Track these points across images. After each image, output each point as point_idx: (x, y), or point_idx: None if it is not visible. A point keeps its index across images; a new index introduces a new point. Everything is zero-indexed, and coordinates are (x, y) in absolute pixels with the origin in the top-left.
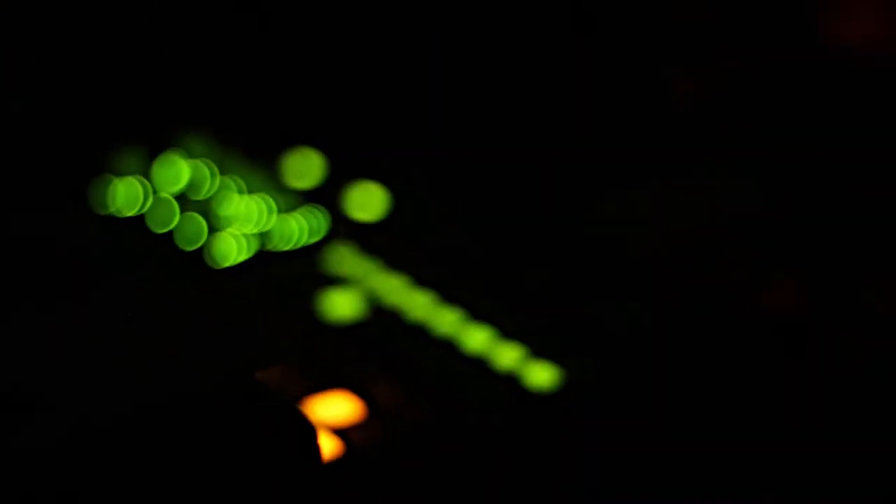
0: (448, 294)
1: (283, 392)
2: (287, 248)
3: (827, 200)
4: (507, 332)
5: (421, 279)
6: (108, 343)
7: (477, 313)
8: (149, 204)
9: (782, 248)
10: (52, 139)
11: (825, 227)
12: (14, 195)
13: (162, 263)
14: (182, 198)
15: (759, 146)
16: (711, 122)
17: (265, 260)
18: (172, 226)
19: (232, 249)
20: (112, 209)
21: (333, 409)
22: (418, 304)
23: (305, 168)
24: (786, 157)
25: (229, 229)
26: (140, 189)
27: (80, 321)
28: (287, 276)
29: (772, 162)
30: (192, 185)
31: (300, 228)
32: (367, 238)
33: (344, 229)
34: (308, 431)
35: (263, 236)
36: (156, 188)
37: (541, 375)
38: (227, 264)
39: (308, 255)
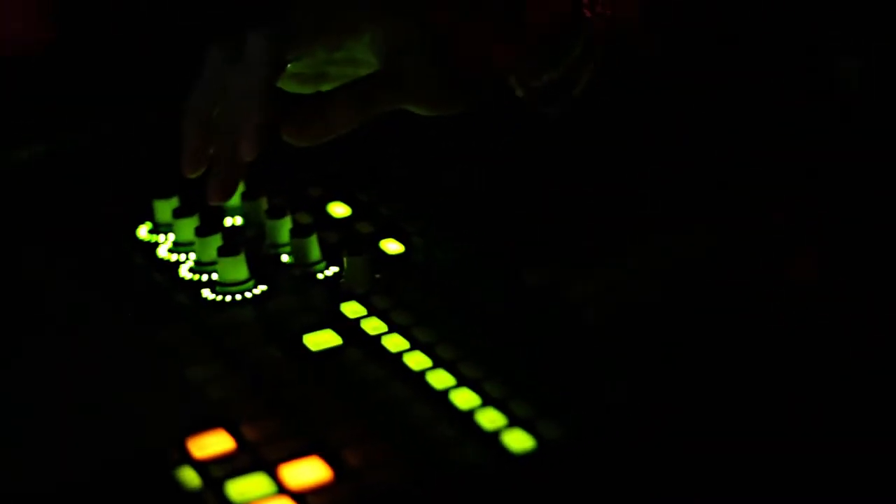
0: (438, 354)
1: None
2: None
3: None
4: (492, 395)
5: (413, 339)
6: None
7: (463, 376)
8: None
9: None
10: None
11: None
12: None
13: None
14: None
15: None
16: None
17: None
18: None
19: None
20: None
21: (300, 472)
22: (411, 362)
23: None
24: None
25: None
26: None
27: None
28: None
29: None
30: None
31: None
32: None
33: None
34: None
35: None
36: None
37: (520, 438)
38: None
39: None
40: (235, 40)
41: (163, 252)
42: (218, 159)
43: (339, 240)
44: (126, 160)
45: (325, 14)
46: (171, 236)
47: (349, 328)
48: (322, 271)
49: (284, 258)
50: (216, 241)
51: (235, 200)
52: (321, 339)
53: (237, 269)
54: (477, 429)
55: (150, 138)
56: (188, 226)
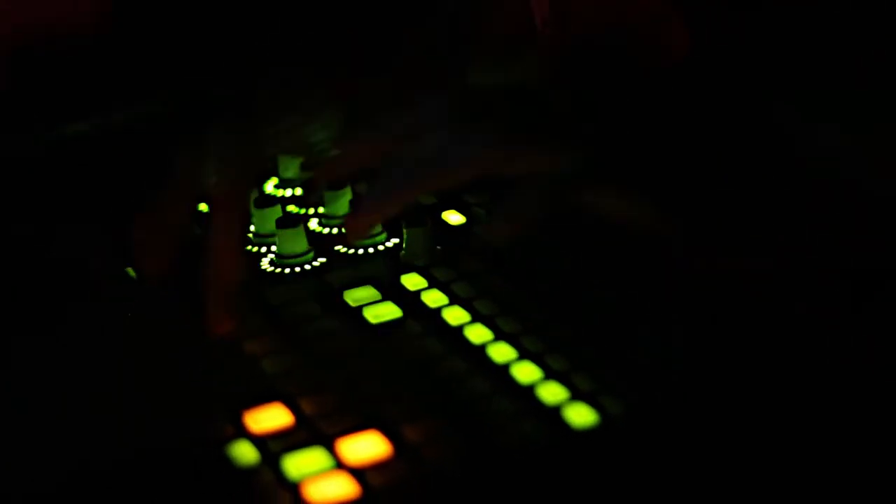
0: (499, 326)
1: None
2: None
3: None
4: (554, 368)
5: (475, 311)
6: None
7: (525, 349)
8: None
9: None
10: None
11: None
12: None
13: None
14: None
15: None
16: None
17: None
18: None
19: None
20: None
21: (359, 447)
22: (472, 335)
23: None
24: None
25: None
26: None
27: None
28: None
29: None
30: None
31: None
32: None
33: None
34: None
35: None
36: None
37: (582, 413)
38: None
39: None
40: (201, 146)
41: None
42: (207, 284)
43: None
44: (181, 132)
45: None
46: None
47: (409, 301)
48: (382, 243)
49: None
50: (275, 212)
51: (294, 172)
52: (381, 312)
53: (296, 241)
54: (538, 403)
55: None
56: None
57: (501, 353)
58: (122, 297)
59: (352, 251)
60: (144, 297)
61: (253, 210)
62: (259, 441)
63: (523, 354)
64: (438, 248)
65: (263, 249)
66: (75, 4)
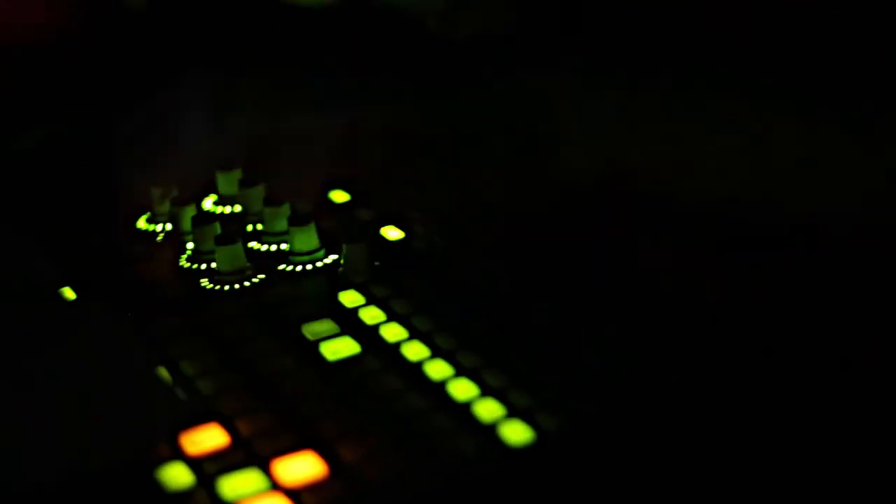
0: (437, 343)
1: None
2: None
3: None
4: (491, 385)
5: (412, 328)
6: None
7: (462, 366)
8: None
9: None
10: None
11: None
12: None
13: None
14: None
15: None
16: None
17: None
18: None
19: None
20: None
21: (294, 467)
22: (409, 352)
23: None
24: None
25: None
26: None
27: None
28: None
29: None
30: None
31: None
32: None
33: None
34: None
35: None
36: None
37: (518, 430)
38: None
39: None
40: None
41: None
42: None
43: (337, 227)
44: (126, 149)
45: None
46: (170, 226)
47: (347, 318)
48: (321, 259)
49: (283, 246)
50: (214, 230)
51: (233, 188)
52: (319, 330)
53: (235, 257)
54: (474, 421)
55: (150, 128)
56: (186, 215)
57: (438, 370)
58: (52, 315)
59: (290, 268)
60: (79, 316)
61: (192, 228)
62: (195, 463)
63: (460, 371)
64: (377, 263)
65: (203, 267)
66: (33, 15)
